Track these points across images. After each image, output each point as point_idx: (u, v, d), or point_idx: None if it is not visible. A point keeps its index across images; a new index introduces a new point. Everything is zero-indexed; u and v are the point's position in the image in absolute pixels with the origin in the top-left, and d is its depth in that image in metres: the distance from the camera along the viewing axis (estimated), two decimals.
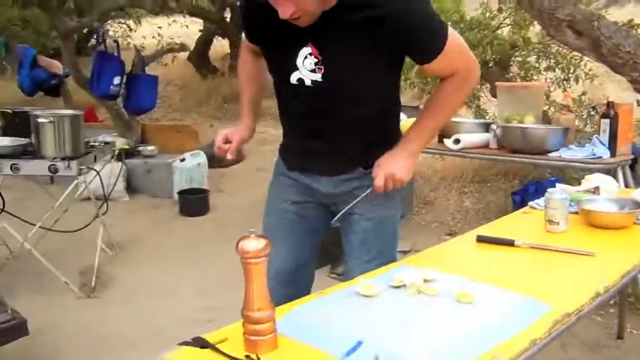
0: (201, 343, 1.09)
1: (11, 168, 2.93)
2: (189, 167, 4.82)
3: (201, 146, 5.40)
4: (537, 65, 4.96)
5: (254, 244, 1.05)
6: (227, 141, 1.61)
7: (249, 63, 1.67)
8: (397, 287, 1.31)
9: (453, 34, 1.41)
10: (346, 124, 1.49)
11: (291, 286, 1.58)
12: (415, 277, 1.32)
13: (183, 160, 4.83)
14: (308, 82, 1.43)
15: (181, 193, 4.62)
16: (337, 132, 1.51)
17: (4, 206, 3.26)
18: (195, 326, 2.49)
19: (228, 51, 8.65)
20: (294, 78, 1.44)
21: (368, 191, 1.51)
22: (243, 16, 1.56)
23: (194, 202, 4.55)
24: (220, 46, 9.20)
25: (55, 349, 2.45)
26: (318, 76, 1.41)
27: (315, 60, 1.40)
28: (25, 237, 3.06)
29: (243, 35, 1.63)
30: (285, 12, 1.31)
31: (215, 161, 5.11)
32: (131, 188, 4.97)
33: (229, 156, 1.62)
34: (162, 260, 3.55)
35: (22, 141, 3.11)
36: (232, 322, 1.14)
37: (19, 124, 3.38)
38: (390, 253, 1.64)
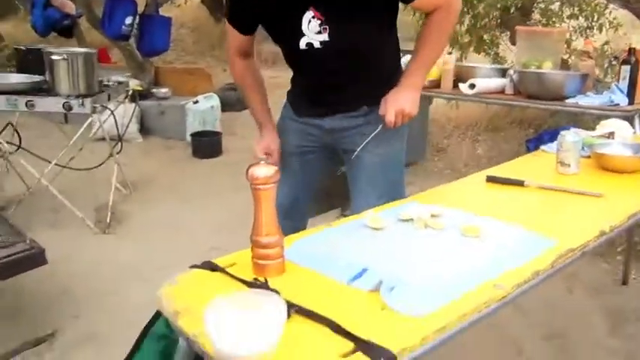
0: (210, 267, 1.13)
1: (26, 104, 2.95)
2: (203, 110, 4.82)
3: (215, 90, 5.38)
4: (560, 12, 4.81)
5: (264, 171, 1.07)
6: (267, 153, 1.68)
7: (244, 71, 1.70)
8: (405, 221, 1.33)
9: None
10: (354, 72, 1.57)
11: (290, 218, 1.64)
12: (423, 212, 1.34)
13: (196, 102, 4.83)
14: (317, 45, 1.49)
15: (194, 135, 4.64)
16: (346, 80, 1.58)
17: (20, 143, 3.31)
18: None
19: None
20: (302, 43, 1.50)
21: (379, 129, 1.54)
22: (237, 10, 1.57)
23: (207, 144, 4.57)
24: None
25: (71, 278, 2.53)
26: (324, 36, 1.47)
27: (319, 21, 1.46)
28: (41, 173, 3.12)
29: (229, 41, 1.65)
30: None
31: (229, 105, 5.10)
32: (144, 129, 5.00)
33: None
34: (175, 199, 3.61)
35: (37, 78, 3.12)
36: None
37: (33, 61, 3.39)
38: (398, 189, 1.69)
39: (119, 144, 3.46)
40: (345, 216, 3.37)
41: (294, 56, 1.58)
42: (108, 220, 3.15)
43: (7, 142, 3.24)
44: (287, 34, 1.53)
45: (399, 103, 1.50)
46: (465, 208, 1.41)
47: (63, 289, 2.45)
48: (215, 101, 4.89)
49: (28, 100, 2.95)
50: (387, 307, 0.95)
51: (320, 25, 1.46)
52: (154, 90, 5.25)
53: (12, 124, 3.36)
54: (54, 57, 2.99)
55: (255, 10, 1.53)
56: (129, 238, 3.06)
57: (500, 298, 1.00)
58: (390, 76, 1.62)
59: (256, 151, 1.68)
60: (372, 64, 1.58)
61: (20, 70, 3.52)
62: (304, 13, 1.46)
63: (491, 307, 0.98)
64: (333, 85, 1.59)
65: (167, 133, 4.94)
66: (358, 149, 1.57)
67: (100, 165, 3.39)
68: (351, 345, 0.83)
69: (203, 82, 5.50)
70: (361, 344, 0.83)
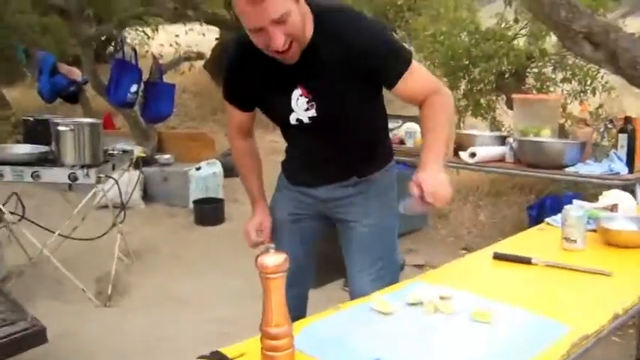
0: (219, 357, 1.11)
1: (32, 175, 2.99)
2: (205, 176, 4.86)
3: (217, 155, 5.45)
4: (554, 77, 4.94)
5: (273, 260, 1.07)
6: (258, 231, 1.76)
7: (243, 151, 1.78)
8: (414, 304, 1.32)
9: (414, 62, 1.53)
10: (342, 145, 1.64)
11: (289, 288, 1.62)
12: (432, 295, 1.33)
13: (199, 168, 4.88)
14: (306, 120, 1.57)
15: (197, 202, 4.65)
16: (335, 152, 1.65)
17: (23, 213, 3.32)
18: (208, 338, 2.51)
19: None
20: (292, 119, 1.58)
21: (411, 202, 1.43)
22: (231, 89, 1.66)
23: (209, 212, 4.58)
24: None
25: (71, 355, 2.47)
26: (312, 112, 1.55)
27: (307, 99, 1.54)
28: (44, 244, 3.11)
29: (230, 122, 1.74)
30: (278, 40, 1.38)
31: (230, 170, 5.14)
32: (147, 196, 5.02)
33: (269, 245, 1.73)
34: (177, 269, 3.59)
35: (43, 149, 3.17)
36: (245, 334, 1.16)
37: (40, 131, 3.46)
38: (390, 259, 1.73)
39: (122, 212, 3.47)
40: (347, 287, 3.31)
41: (286, 130, 1.68)
42: (109, 292, 3.11)
43: (11, 212, 3.24)
44: (278, 111, 1.61)
45: (433, 185, 1.38)
46: (473, 288, 1.40)
47: None
48: (217, 168, 4.94)
49: (34, 171, 3.00)
50: None
51: (308, 102, 1.54)
52: (157, 156, 5.31)
53: (16, 194, 3.38)
54: (60, 128, 3.05)
55: (248, 89, 1.61)
56: (130, 311, 3.01)
57: None
58: (377, 146, 1.72)
59: (249, 229, 1.74)
60: (360, 136, 1.65)
61: (27, 140, 3.59)
62: (293, 91, 1.54)
63: None
64: (322, 157, 1.67)
65: (170, 199, 4.96)
66: (406, 201, 1.45)
67: (103, 235, 3.38)
68: None
69: (206, 148, 5.58)
70: None
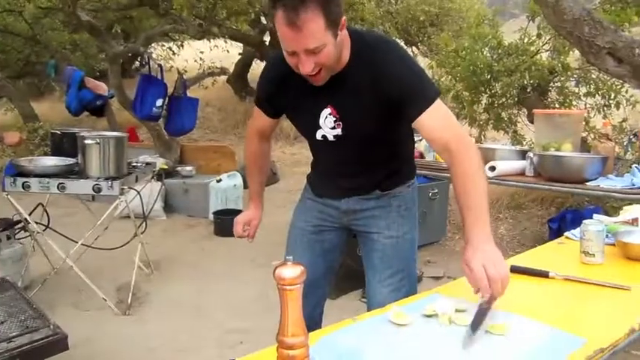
0: None
1: (58, 187, 3.06)
2: (225, 188, 4.92)
3: (238, 167, 5.51)
4: (577, 91, 4.89)
5: (290, 272, 1.08)
6: (246, 225, 1.91)
7: (257, 153, 1.89)
8: (429, 316, 1.32)
9: (440, 101, 1.52)
10: (367, 164, 1.70)
11: (307, 297, 1.63)
12: (447, 307, 1.33)
13: (219, 180, 4.93)
14: (331, 138, 1.62)
15: (217, 213, 4.70)
16: (358, 170, 1.71)
17: (48, 223, 3.39)
18: (226, 347, 2.53)
19: None
20: (318, 135, 1.64)
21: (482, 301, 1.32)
22: (264, 97, 1.73)
23: (228, 223, 4.58)
24: (258, 68, 9.41)
25: None
26: (338, 131, 1.61)
27: (334, 118, 1.59)
28: (67, 253, 3.17)
29: (253, 120, 1.83)
30: (307, 67, 1.43)
31: None
32: (168, 207, 5.09)
33: (250, 240, 1.94)
34: (196, 279, 3.62)
35: (69, 161, 3.24)
36: (261, 344, 1.17)
37: (67, 144, 3.54)
38: (409, 270, 1.75)
39: (144, 223, 3.53)
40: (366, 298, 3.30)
41: (312, 143, 1.73)
42: (129, 301, 3.16)
43: (36, 222, 3.32)
44: (305, 125, 1.67)
45: (479, 274, 1.28)
46: None
47: None
48: (238, 180, 5.00)
49: (60, 183, 3.07)
50: None
51: (335, 121, 1.59)
52: (179, 168, 5.39)
53: (42, 205, 3.46)
54: (87, 141, 3.12)
55: (280, 100, 1.67)
56: (149, 320, 3.05)
57: None
58: (400, 165, 1.76)
59: (238, 221, 1.89)
60: (384, 157, 1.69)
61: (54, 152, 3.67)
62: (323, 109, 1.59)
63: None
64: (345, 171, 1.72)
65: (190, 211, 5.02)
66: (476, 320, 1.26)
67: (125, 245, 3.44)
68: None
69: (227, 160, 5.64)
70: None
